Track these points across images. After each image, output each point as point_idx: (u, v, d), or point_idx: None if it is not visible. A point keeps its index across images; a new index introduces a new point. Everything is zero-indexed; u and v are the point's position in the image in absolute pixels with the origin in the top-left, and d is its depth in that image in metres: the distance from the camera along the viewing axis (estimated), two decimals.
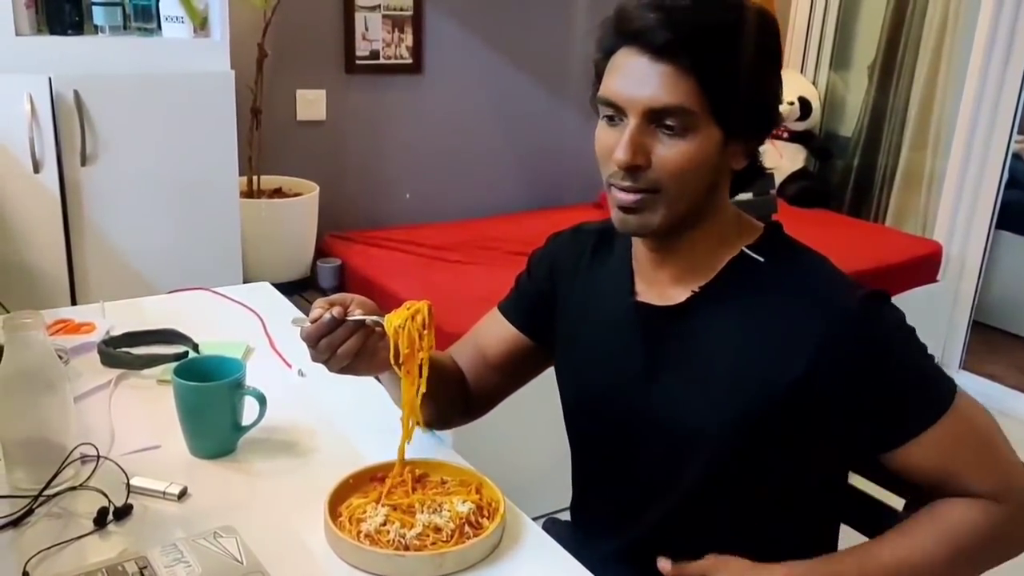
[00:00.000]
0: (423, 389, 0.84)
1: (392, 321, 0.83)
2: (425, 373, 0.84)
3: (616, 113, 0.79)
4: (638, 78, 0.76)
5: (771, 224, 0.87)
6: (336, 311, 0.82)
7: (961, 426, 0.79)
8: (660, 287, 0.87)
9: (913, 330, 0.81)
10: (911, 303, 2.50)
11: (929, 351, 0.82)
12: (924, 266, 2.61)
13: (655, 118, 0.77)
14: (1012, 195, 2.93)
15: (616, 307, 0.90)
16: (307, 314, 0.86)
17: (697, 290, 0.84)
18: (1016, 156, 3.10)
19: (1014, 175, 2.92)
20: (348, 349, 0.83)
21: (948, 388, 0.80)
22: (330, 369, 0.85)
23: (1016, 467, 0.81)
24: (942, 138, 2.76)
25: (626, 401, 0.88)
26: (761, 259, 0.83)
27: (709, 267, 0.84)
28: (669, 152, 0.77)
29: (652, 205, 0.79)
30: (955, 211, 2.70)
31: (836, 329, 0.77)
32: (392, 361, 0.83)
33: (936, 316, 2.71)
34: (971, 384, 2.73)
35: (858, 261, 2.46)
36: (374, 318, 0.83)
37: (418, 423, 0.86)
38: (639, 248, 0.88)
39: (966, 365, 2.82)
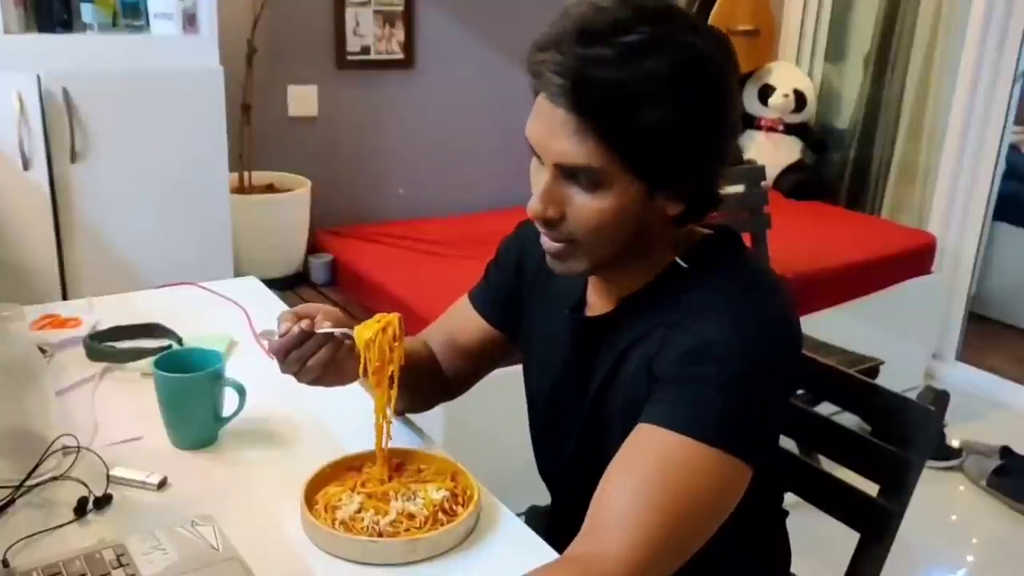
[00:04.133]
0: (394, 400, 0.84)
1: (362, 334, 0.82)
2: (396, 385, 0.84)
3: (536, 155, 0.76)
4: (550, 129, 0.72)
5: (721, 231, 0.84)
6: (304, 324, 0.82)
7: (660, 462, 0.69)
8: (607, 299, 0.86)
9: (771, 372, 0.73)
10: (906, 295, 2.55)
11: (766, 401, 0.73)
12: (919, 258, 2.61)
13: (566, 173, 0.73)
14: (1010, 186, 2.92)
15: (559, 317, 0.89)
16: (302, 313, 0.86)
17: (624, 298, 0.83)
18: (1014, 148, 3.10)
19: (1012, 167, 2.91)
20: (317, 362, 0.83)
21: (719, 436, 0.69)
22: (299, 381, 0.85)
23: (637, 552, 0.66)
24: (937, 130, 2.75)
25: (564, 410, 0.89)
26: (685, 265, 0.79)
27: (644, 279, 0.82)
28: (581, 208, 0.74)
29: (572, 254, 0.77)
30: (950, 202, 2.70)
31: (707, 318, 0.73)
32: (360, 374, 0.83)
33: (931, 307, 2.70)
34: (969, 376, 2.74)
35: (853, 253, 2.46)
36: (343, 330, 0.83)
37: (389, 423, 0.85)
38: None
39: (963, 357, 2.82)
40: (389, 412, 0.85)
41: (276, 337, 0.83)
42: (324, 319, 0.83)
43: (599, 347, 0.85)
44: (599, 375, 0.84)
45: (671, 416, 0.71)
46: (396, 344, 0.83)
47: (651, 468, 0.70)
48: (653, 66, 0.68)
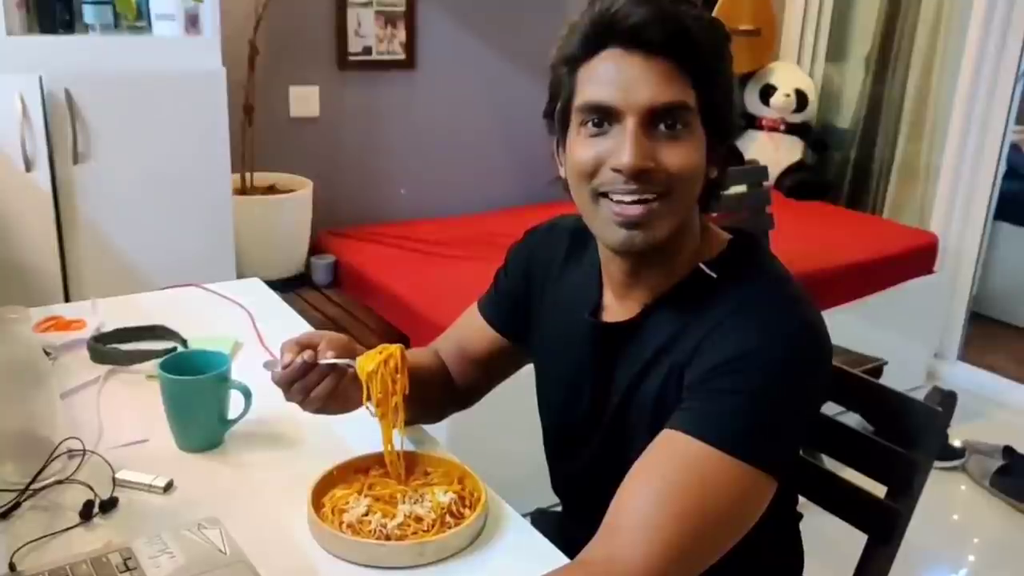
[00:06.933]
0: (402, 429, 0.84)
1: (364, 366, 0.82)
2: (401, 415, 0.83)
3: (604, 120, 0.75)
4: (634, 77, 0.72)
5: (739, 236, 0.84)
6: (307, 355, 0.82)
7: (684, 469, 0.69)
8: (629, 302, 0.84)
9: (803, 384, 0.74)
10: (908, 295, 2.55)
11: (796, 414, 0.73)
12: (920, 257, 2.61)
13: (654, 119, 0.73)
14: (1012, 186, 2.92)
15: (575, 322, 0.88)
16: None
17: (648, 304, 0.82)
18: (1015, 147, 3.09)
19: (1013, 166, 2.91)
20: (321, 392, 0.83)
21: (746, 448, 0.69)
22: (304, 409, 0.85)
23: (657, 558, 0.66)
24: (938, 129, 2.75)
25: (583, 418, 0.88)
26: (714, 275, 0.79)
27: (668, 284, 0.82)
28: (674, 153, 0.73)
29: (660, 215, 0.75)
30: (952, 202, 2.70)
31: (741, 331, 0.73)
32: (364, 401, 0.83)
33: (933, 307, 2.70)
34: (971, 376, 2.74)
35: (854, 253, 2.46)
36: (346, 361, 0.83)
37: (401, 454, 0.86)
38: (612, 265, 0.84)
39: (965, 356, 2.82)
40: (397, 440, 0.84)
41: (279, 368, 0.83)
42: (327, 348, 0.83)
43: (620, 353, 0.84)
44: (623, 382, 0.83)
45: (699, 424, 0.71)
46: (399, 376, 0.82)
47: (674, 475, 0.70)
48: (715, 23, 0.77)
